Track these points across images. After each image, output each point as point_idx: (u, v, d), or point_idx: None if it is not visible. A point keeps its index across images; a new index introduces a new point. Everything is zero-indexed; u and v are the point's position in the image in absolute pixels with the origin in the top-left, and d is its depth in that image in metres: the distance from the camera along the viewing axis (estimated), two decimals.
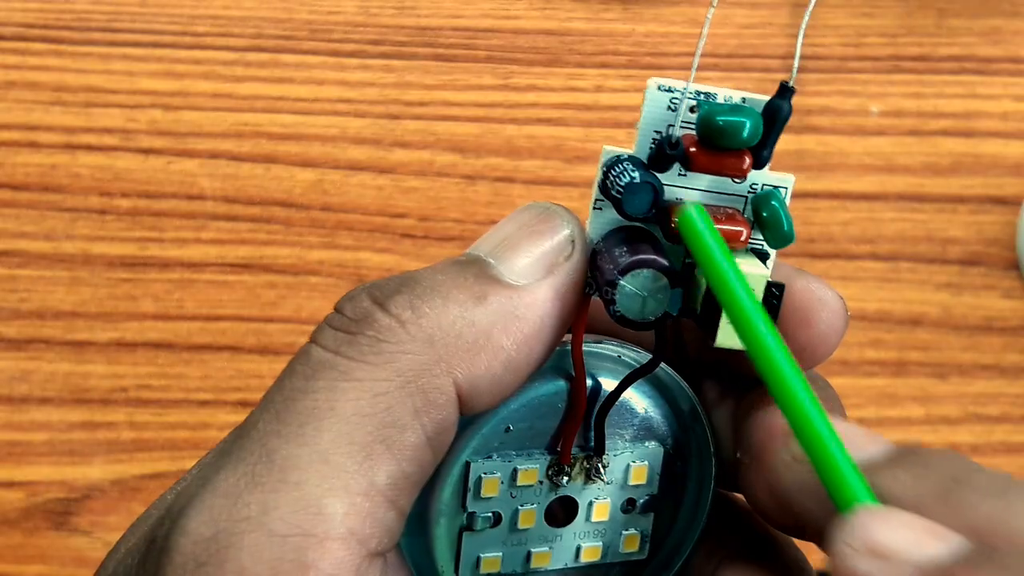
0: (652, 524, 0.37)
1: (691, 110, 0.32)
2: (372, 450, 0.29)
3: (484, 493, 0.34)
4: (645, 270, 0.31)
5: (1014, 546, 0.26)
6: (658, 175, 0.32)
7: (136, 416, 0.65)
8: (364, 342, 0.30)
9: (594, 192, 0.32)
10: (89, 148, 0.66)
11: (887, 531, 0.26)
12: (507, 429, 0.34)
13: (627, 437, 0.36)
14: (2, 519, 0.64)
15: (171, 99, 0.67)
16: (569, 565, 0.36)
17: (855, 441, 0.30)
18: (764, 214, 0.32)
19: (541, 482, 0.35)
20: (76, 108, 0.66)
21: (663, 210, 0.32)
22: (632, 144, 0.32)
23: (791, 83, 0.31)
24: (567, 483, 0.35)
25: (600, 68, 0.69)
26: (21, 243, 0.65)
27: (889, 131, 0.68)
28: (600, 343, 0.35)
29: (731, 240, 0.31)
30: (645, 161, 0.32)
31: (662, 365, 0.35)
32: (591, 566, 0.37)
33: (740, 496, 0.36)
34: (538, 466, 0.35)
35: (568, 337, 0.34)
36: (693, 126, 0.31)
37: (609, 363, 0.35)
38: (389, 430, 0.29)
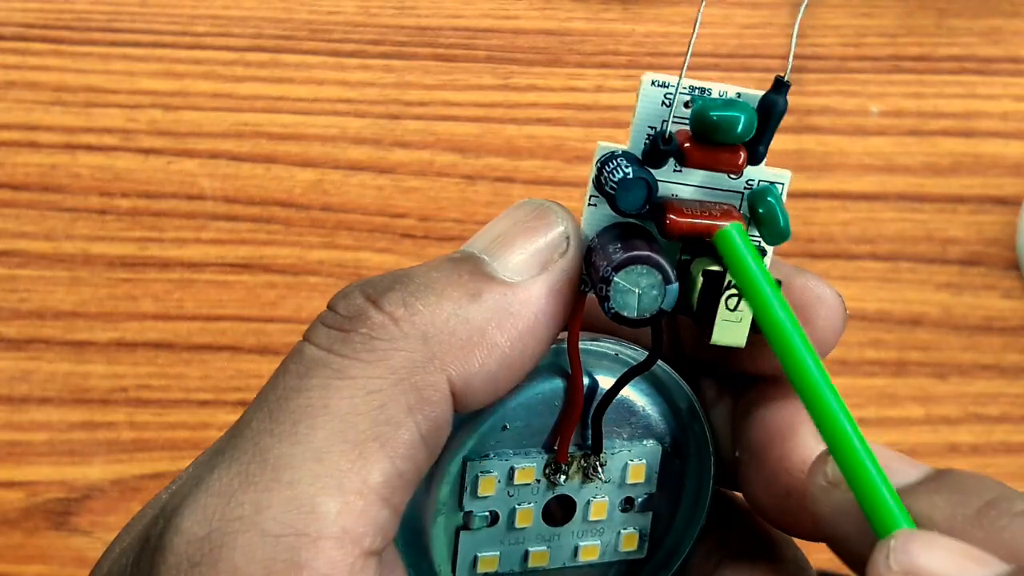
0: (650, 523, 0.36)
1: (685, 105, 0.32)
2: (366, 448, 0.29)
3: (481, 492, 0.34)
4: (640, 266, 0.31)
5: None
6: (652, 171, 0.32)
7: (136, 416, 0.65)
8: (357, 340, 0.30)
9: (589, 188, 0.32)
10: (89, 148, 0.66)
11: (927, 555, 0.26)
12: (504, 427, 0.34)
13: (625, 435, 0.36)
14: (2, 519, 0.64)
15: (171, 99, 0.67)
16: (567, 564, 0.36)
17: (892, 466, 0.30)
18: (760, 210, 0.32)
19: (538, 481, 0.35)
20: (76, 108, 0.66)
21: (658, 206, 0.31)
22: (627, 140, 0.32)
23: (786, 78, 0.31)
24: (565, 482, 0.35)
25: (600, 68, 0.68)
26: (21, 243, 0.65)
27: (889, 131, 0.68)
28: (597, 341, 0.35)
29: None
30: (639, 157, 0.32)
31: (659, 363, 0.35)
32: (589, 565, 0.36)
33: (739, 494, 0.36)
34: (535, 465, 0.35)
35: (565, 335, 0.33)
36: (687, 121, 0.31)
37: (606, 361, 0.35)
38: (383, 428, 0.29)
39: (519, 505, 0.35)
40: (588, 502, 0.35)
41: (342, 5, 0.68)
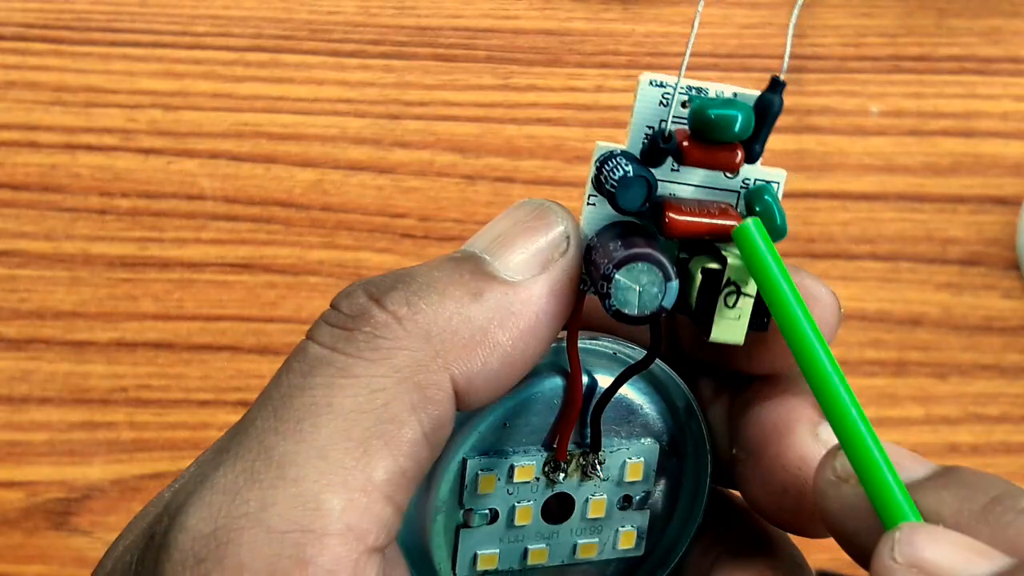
0: (648, 521, 0.37)
1: (683, 105, 0.32)
2: (369, 446, 0.29)
3: (481, 490, 0.34)
4: (640, 264, 0.31)
5: None
6: (651, 170, 0.32)
7: (136, 416, 0.65)
8: (361, 338, 0.30)
9: (588, 187, 0.32)
10: (89, 148, 0.66)
11: (933, 548, 0.27)
12: (504, 426, 0.34)
13: (623, 434, 0.36)
14: (2, 519, 0.64)
15: (171, 99, 0.67)
16: (566, 562, 0.36)
17: (901, 462, 0.30)
18: (757, 208, 0.32)
19: (538, 479, 0.35)
20: (76, 108, 0.66)
21: (657, 205, 0.32)
22: (626, 140, 0.32)
23: (782, 77, 0.31)
24: (563, 480, 0.35)
25: (600, 68, 0.69)
26: (21, 243, 0.65)
27: (889, 131, 0.68)
28: (596, 340, 0.35)
29: (724, 234, 0.31)
30: (638, 156, 0.32)
31: (657, 362, 0.35)
32: (587, 563, 0.37)
33: (736, 493, 0.36)
34: (535, 463, 0.35)
35: (564, 334, 0.34)
36: (685, 121, 0.32)
37: (605, 360, 0.35)
38: (386, 426, 0.29)
39: (518, 503, 0.35)
40: (587, 500, 0.36)
41: (342, 5, 0.68)
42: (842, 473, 0.30)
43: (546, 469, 0.35)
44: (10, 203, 0.66)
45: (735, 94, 0.32)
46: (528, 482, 0.35)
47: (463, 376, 0.31)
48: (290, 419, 0.29)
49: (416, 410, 0.30)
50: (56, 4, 0.67)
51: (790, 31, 0.31)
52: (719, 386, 0.36)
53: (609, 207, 0.32)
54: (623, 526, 0.36)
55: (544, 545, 0.36)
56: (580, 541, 0.36)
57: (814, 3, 0.69)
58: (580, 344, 0.34)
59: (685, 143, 0.31)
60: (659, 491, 0.37)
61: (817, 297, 0.34)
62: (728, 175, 0.33)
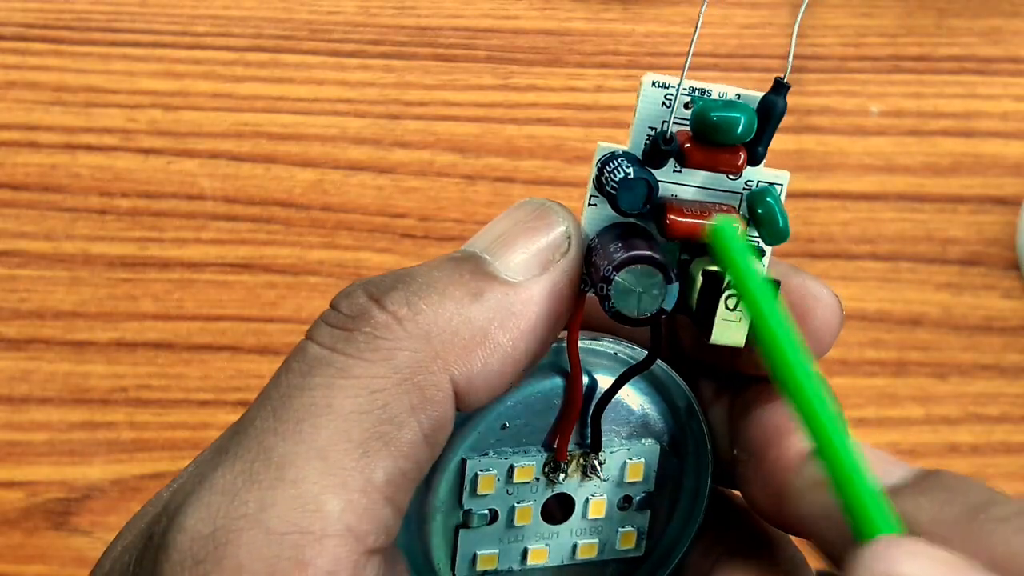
0: (648, 521, 0.37)
1: (685, 106, 0.32)
2: (369, 447, 0.29)
3: (480, 490, 0.34)
4: (640, 266, 0.31)
5: None
6: (653, 171, 0.32)
7: (136, 416, 0.65)
8: (361, 339, 0.30)
9: (589, 188, 0.32)
10: (89, 148, 0.66)
11: (909, 563, 0.26)
12: (503, 426, 0.34)
13: (623, 434, 0.36)
14: (2, 519, 0.64)
15: (171, 99, 0.67)
16: (565, 562, 0.36)
17: (878, 466, 0.30)
18: (759, 211, 0.32)
19: (537, 479, 0.35)
20: (76, 108, 0.66)
21: (658, 206, 0.32)
22: (627, 141, 0.32)
23: (785, 79, 0.31)
24: (563, 480, 0.35)
25: (600, 68, 0.69)
26: (21, 243, 0.65)
27: (889, 131, 0.68)
28: (596, 340, 0.35)
29: None
30: (640, 157, 0.32)
31: (658, 362, 0.35)
32: (587, 563, 0.37)
33: (737, 493, 0.36)
34: (534, 463, 0.35)
35: (564, 334, 0.34)
36: (687, 122, 0.32)
37: (605, 360, 0.35)
38: (386, 427, 0.29)
39: (518, 503, 0.35)
40: (587, 500, 0.36)
41: (342, 5, 0.68)
42: (818, 478, 0.30)
43: (546, 469, 0.35)
44: (10, 203, 0.65)
45: (738, 95, 0.32)
46: (528, 482, 0.35)
47: (463, 377, 0.31)
48: (289, 420, 0.29)
49: (416, 411, 0.30)
50: (56, 4, 0.67)
51: (794, 34, 0.31)
52: (720, 387, 0.36)
53: (610, 208, 0.32)
54: (623, 526, 0.36)
55: (544, 545, 0.36)
56: (580, 541, 0.36)
57: (814, 3, 0.69)
58: (580, 344, 0.34)
59: (687, 145, 0.31)
60: (659, 492, 0.37)
61: (819, 299, 0.34)
62: (730, 177, 0.33)
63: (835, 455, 0.28)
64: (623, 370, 0.35)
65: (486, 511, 0.35)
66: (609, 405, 0.35)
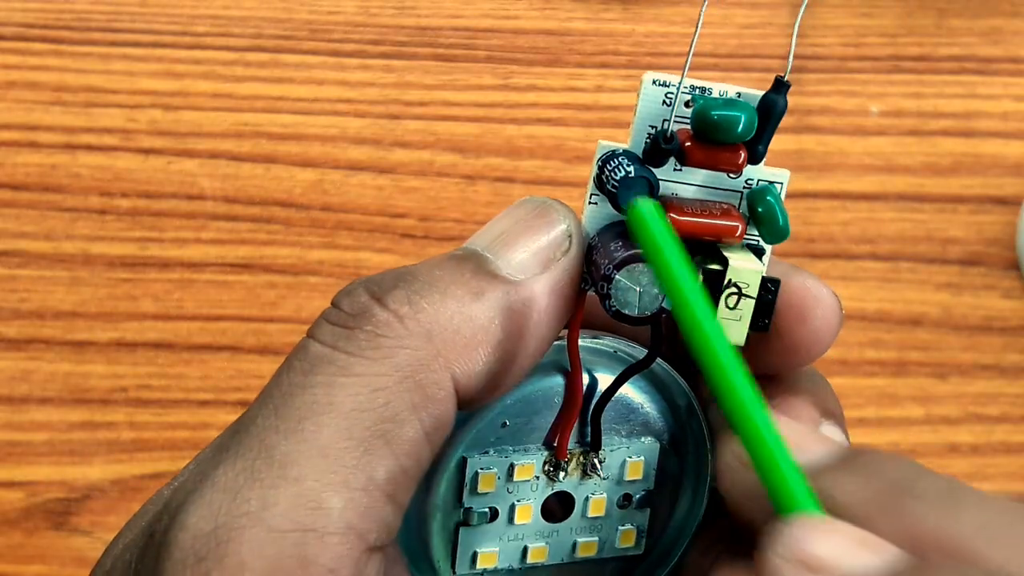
0: (648, 519, 0.37)
1: (686, 105, 0.32)
2: (370, 445, 0.29)
3: (481, 488, 0.34)
4: (640, 264, 0.31)
5: (949, 558, 0.26)
6: (653, 170, 0.32)
7: (136, 416, 0.65)
8: (362, 337, 0.30)
9: (589, 187, 0.32)
10: (89, 148, 0.66)
11: (821, 542, 0.26)
12: (504, 424, 0.34)
13: (623, 432, 0.36)
14: (2, 519, 0.64)
15: (171, 99, 0.67)
16: (565, 560, 0.36)
17: (801, 443, 0.30)
18: (759, 209, 0.32)
19: (538, 477, 0.35)
20: (76, 108, 0.66)
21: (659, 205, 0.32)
22: (628, 140, 0.32)
23: (786, 78, 0.31)
24: (563, 478, 0.35)
25: (600, 68, 0.69)
26: (21, 243, 0.65)
27: (889, 131, 0.68)
28: (596, 339, 0.35)
29: (726, 235, 0.32)
30: (640, 156, 0.32)
31: (658, 361, 0.35)
32: (587, 561, 0.37)
33: None
34: (535, 461, 0.35)
35: (565, 332, 0.34)
36: (688, 121, 0.32)
37: (605, 359, 0.35)
38: (387, 425, 0.29)
39: (518, 501, 0.35)
40: (587, 498, 0.36)
41: (342, 5, 0.68)
42: (742, 458, 0.30)
43: (546, 468, 0.35)
44: (10, 203, 0.66)
45: (739, 94, 0.32)
46: (528, 480, 0.35)
47: (464, 375, 0.31)
48: (291, 418, 0.29)
49: (417, 409, 0.30)
50: (56, 4, 0.67)
51: (795, 33, 0.31)
52: None
53: (611, 206, 0.32)
54: (623, 525, 0.36)
55: (544, 544, 0.36)
56: (580, 540, 0.36)
57: (814, 3, 0.69)
58: (581, 343, 0.34)
59: (687, 143, 0.31)
60: (659, 490, 0.37)
61: (819, 298, 0.34)
62: (731, 176, 0.33)
63: (752, 432, 0.27)
64: (623, 369, 0.35)
65: (486, 509, 0.35)
66: (609, 403, 0.35)
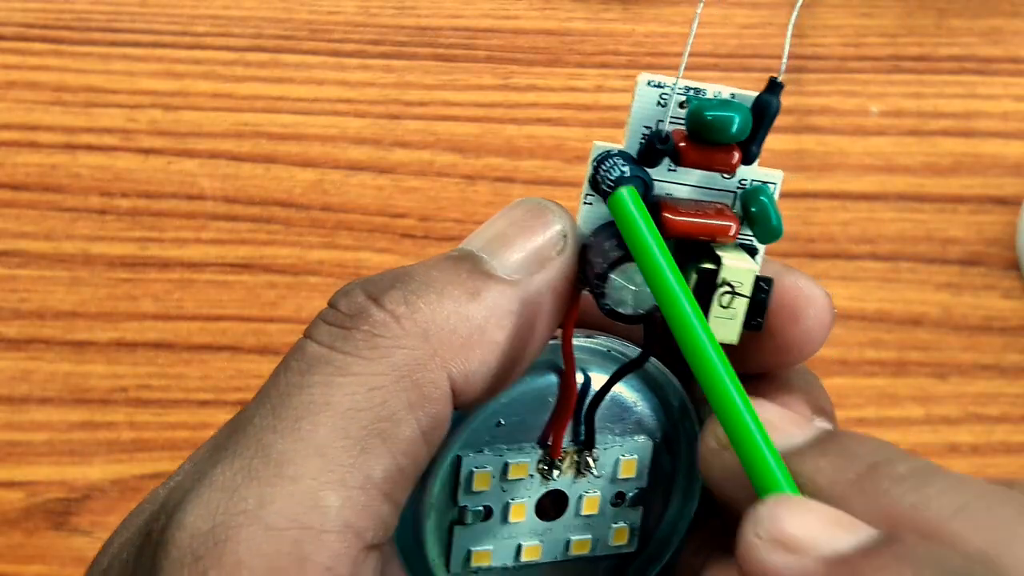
0: (641, 518, 0.37)
1: (681, 105, 0.32)
2: (367, 444, 0.29)
3: (475, 487, 0.34)
4: (634, 264, 0.31)
5: (922, 536, 0.26)
6: (648, 170, 0.32)
7: (136, 416, 0.65)
8: (359, 337, 0.30)
9: (584, 187, 0.33)
10: (89, 148, 0.66)
11: (795, 521, 0.26)
12: (498, 423, 0.34)
13: (617, 431, 0.36)
14: (2, 519, 0.64)
15: (171, 99, 0.67)
16: (559, 558, 0.36)
17: (779, 426, 0.30)
18: (753, 209, 0.33)
19: (532, 476, 0.35)
20: (76, 108, 0.66)
21: (653, 205, 0.32)
22: (623, 140, 0.33)
23: (779, 79, 0.31)
24: (557, 477, 0.35)
25: (600, 68, 0.69)
26: (21, 243, 0.65)
27: (889, 131, 0.68)
28: (590, 338, 0.35)
29: (720, 235, 0.32)
30: (635, 156, 0.32)
31: (652, 360, 0.35)
32: (581, 559, 0.37)
33: None
34: (529, 460, 0.35)
35: (559, 332, 0.34)
36: (683, 121, 0.32)
37: (599, 358, 0.35)
38: (384, 424, 0.29)
39: (512, 500, 0.35)
40: (580, 497, 0.36)
41: (342, 5, 0.68)
42: (722, 441, 0.30)
43: (540, 466, 0.35)
44: (10, 203, 0.66)
45: (733, 95, 0.32)
46: (522, 479, 0.35)
47: (460, 374, 0.31)
48: (288, 417, 0.29)
49: (414, 408, 0.30)
50: (56, 4, 0.67)
51: (788, 34, 0.31)
52: None
53: (605, 206, 0.32)
54: (616, 523, 0.36)
55: (538, 542, 0.36)
56: (574, 538, 0.36)
57: (814, 3, 0.69)
58: (575, 342, 0.34)
59: (682, 144, 0.31)
60: (652, 488, 0.37)
61: (811, 298, 0.34)
62: (725, 176, 0.33)
63: (731, 415, 0.28)
64: (617, 368, 0.35)
65: (480, 508, 0.35)
66: (603, 402, 0.35)
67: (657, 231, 0.29)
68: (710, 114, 0.31)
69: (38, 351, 0.65)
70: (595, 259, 0.31)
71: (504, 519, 0.35)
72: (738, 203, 0.33)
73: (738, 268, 0.31)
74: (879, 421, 0.67)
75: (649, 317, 0.32)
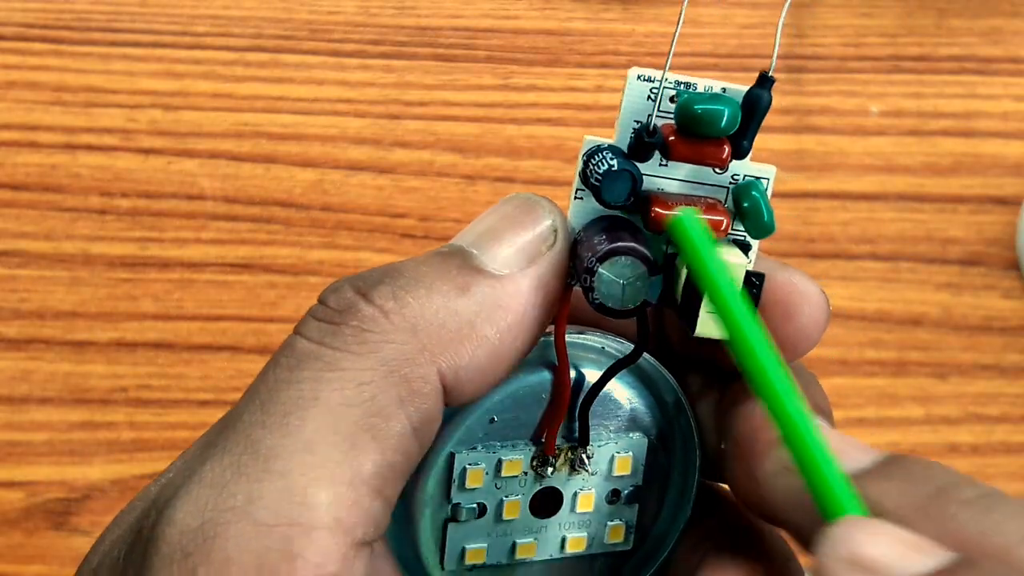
0: (637, 515, 0.37)
1: (671, 100, 0.32)
2: (357, 440, 0.29)
3: (469, 484, 0.34)
4: (623, 257, 0.31)
5: (995, 560, 0.26)
6: (638, 164, 0.32)
7: (136, 416, 0.65)
8: (348, 332, 0.30)
9: (575, 181, 0.33)
10: (89, 148, 0.66)
11: (872, 543, 0.26)
12: (492, 420, 0.34)
13: (611, 428, 0.36)
14: (2, 519, 0.64)
15: (171, 99, 0.67)
16: (554, 556, 0.36)
17: (844, 451, 0.30)
18: (744, 204, 0.32)
19: (526, 473, 0.35)
20: (76, 108, 0.66)
21: (643, 199, 0.32)
22: (614, 135, 0.33)
23: (770, 73, 0.31)
24: (552, 474, 0.35)
25: (600, 68, 0.69)
26: (21, 243, 0.65)
27: (889, 131, 0.68)
28: (583, 334, 0.35)
29: (711, 230, 0.31)
30: (625, 150, 0.32)
31: (645, 356, 0.35)
32: (576, 557, 0.37)
33: (725, 487, 0.36)
34: (523, 457, 0.35)
35: (552, 328, 0.34)
36: (673, 116, 0.32)
37: (592, 354, 0.35)
38: (374, 419, 0.29)
39: (507, 497, 0.35)
40: (575, 494, 0.36)
41: (342, 5, 0.68)
42: (786, 463, 0.30)
43: (534, 463, 0.35)
44: (10, 203, 0.66)
45: (723, 89, 0.32)
46: (516, 476, 0.35)
47: (450, 370, 0.31)
48: (277, 413, 0.29)
49: (404, 403, 0.30)
50: (56, 4, 0.67)
51: (779, 27, 0.31)
52: (708, 381, 0.36)
53: (596, 201, 0.32)
54: (612, 520, 0.36)
55: (532, 539, 0.36)
56: (568, 535, 0.36)
57: (814, 3, 0.69)
58: (568, 338, 0.34)
59: (672, 138, 0.31)
60: (648, 485, 0.37)
61: (806, 295, 0.34)
62: (716, 171, 0.33)
63: (799, 440, 0.28)
64: (610, 364, 0.35)
65: (474, 505, 0.35)
66: (597, 399, 0.35)
67: (715, 250, 0.29)
68: (699, 107, 0.31)
69: (38, 351, 0.65)
70: (585, 253, 0.31)
71: (498, 516, 0.35)
72: (730, 198, 0.33)
73: (729, 263, 0.31)
74: (879, 421, 0.67)
75: (639, 311, 0.32)
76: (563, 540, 0.36)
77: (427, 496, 0.34)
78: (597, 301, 0.31)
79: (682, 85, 0.32)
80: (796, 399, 0.28)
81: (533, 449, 0.35)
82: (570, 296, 0.33)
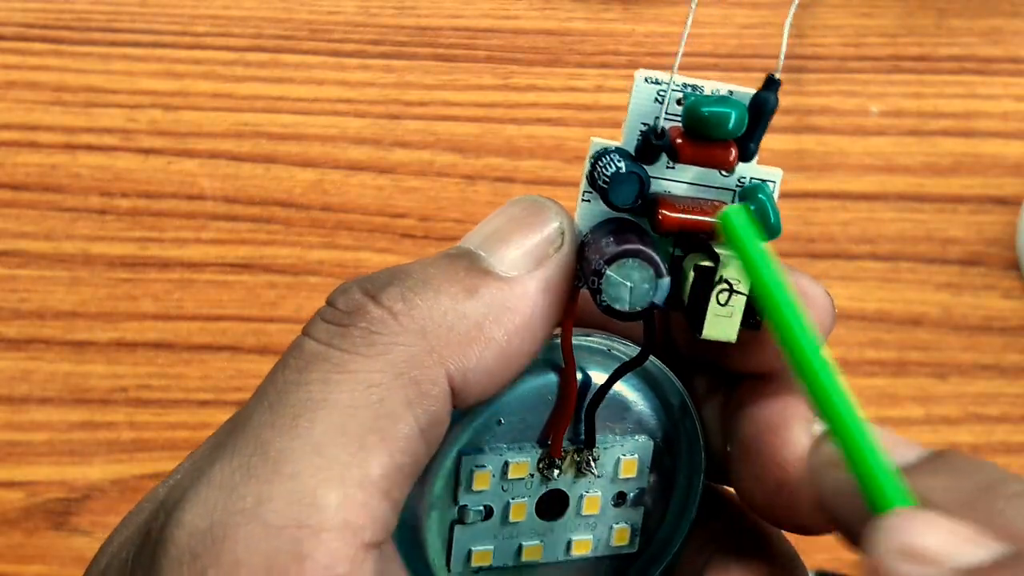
0: (642, 517, 0.37)
1: (678, 103, 0.32)
2: (365, 441, 0.29)
3: (475, 486, 0.34)
4: (631, 260, 0.31)
5: None
6: (646, 167, 0.32)
7: (136, 416, 0.65)
8: (356, 334, 0.30)
9: (582, 184, 0.33)
10: (89, 148, 0.66)
11: (926, 534, 0.26)
12: (499, 422, 0.34)
13: (617, 431, 0.36)
14: (2, 519, 0.64)
15: (171, 99, 0.67)
16: (560, 558, 0.36)
17: (890, 446, 0.30)
18: (751, 207, 0.32)
19: (532, 475, 0.35)
20: (76, 108, 0.66)
21: (650, 201, 0.32)
22: (621, 137, 0.33)
23: (777, 75, 0.31)
24: (558, 476, 0.35)
25: (600, 68, 0.69)
26: (21, 243, 0.65)
27: (889, 131, 0.68)
28: (590, 336, 0.35)
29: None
30: (632, 153, 0.32)
31: (652, 359, 0.35)
32: (582, 559, 0.37)
33: (730, 489, 0.36)
34: (529, 459, 0.35)
35: (558, 330, 0.34)
36: (680, 118, 0.32)
37: (599, 356, 0.35)
38: (382, 421, 0.29)
39: (513, 499, 0.35)
40: (581, 496, 0.36)
41: (342, 5, 0.68)
42: (834, 458, 0.30)
43: (540, 466, 0.35)
44: (10, 203, 0.66)
45: (730, 91, 0.32)
46: (523, 478, 0.35)
47: (458, 372, 0.31)
48: (286, 414, 0.29)
49: (412, 405, 0.30)
50: (56, 4, 0.67)
51: (785, 31, 0.31)
52: (714, 383, 0.36)
53: (603, 203, 0.32)
54: (617, 523, 0.36)
55: (538, 542, 0.36)
56: (574, 538, 0.36)
57: (814, 3, 0.69)
58: (574, 340, 0.34)
59: (679, 140, 0.31)
60: (653, 488, 0.37)
61: (812, 298, 0.34)
62: (723, 173, 0.33)
63: (850, 435, 0.28)
64: (617, 366, 0.35)
65: (481, 507, 0.35)
66: (603, 402, 0.35)
67: (765, 248, 0.29)
68: (707, 110, 0.31)
69: (38, 351, 0.65)
70: (592, 255, 0.31)
71: (505, 519, 0.35)
72: (737, 200, 0.33)
73: (736, 265, 0.31)
74: (879, 421, 0.66)
75: (647, 314, 0.31)
76: (569, 542, 0.36)
77: (434, 498, 0.34)
78: (604, 303, 0.31)
79: (689, 87, 0.32)
80: (846, 395, 0.28)
81: (540, 451, 0.35)
82: (577, 298, 0.33)
